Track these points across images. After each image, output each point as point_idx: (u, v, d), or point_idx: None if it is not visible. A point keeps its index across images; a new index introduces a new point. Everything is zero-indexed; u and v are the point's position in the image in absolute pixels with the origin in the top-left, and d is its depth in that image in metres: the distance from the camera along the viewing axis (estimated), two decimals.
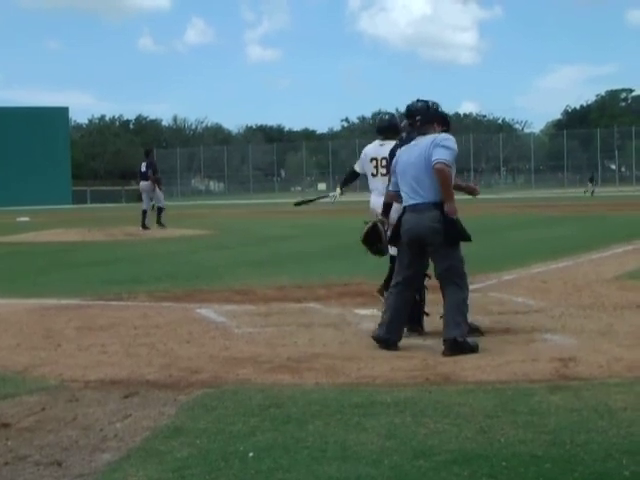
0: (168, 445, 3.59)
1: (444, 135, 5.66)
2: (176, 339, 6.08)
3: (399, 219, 5.77)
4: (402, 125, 6.65)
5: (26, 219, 30.76)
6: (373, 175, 7.15)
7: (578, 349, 5.39)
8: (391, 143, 7.01)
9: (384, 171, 6.95)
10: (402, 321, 5.76)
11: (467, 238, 5.58)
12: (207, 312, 7.33)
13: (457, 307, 5.50)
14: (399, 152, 5.93)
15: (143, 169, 20.87)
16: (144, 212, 20.81)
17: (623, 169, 75.49)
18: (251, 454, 3.44)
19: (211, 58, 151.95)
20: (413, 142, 5.79)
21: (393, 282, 5.83)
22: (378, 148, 7.14)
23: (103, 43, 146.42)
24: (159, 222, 20.87)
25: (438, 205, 5.49)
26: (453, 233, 5.49)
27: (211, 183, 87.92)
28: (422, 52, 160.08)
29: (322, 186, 77.15)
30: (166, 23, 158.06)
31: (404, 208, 5.71)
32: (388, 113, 7.67)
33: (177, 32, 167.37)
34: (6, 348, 5.87)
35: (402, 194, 5.75)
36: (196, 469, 3.28)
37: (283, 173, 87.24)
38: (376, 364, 5.08)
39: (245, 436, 3.68)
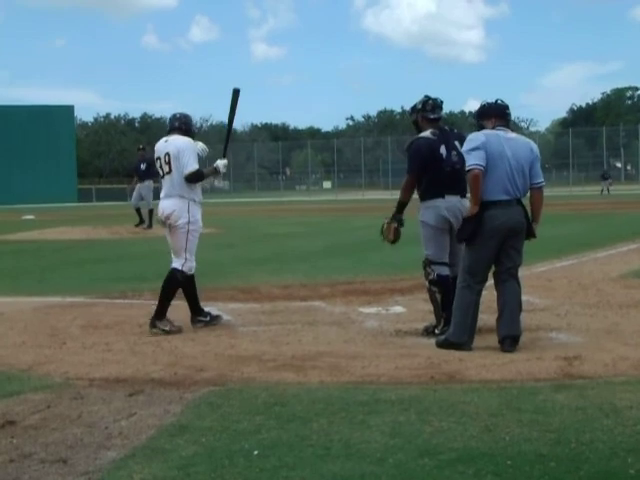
0: (173, 443, 3.59)
1: (535, 145, 5.72)
2: (181, 337, 6.10)
3: (479, 215, 5.41)
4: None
5: (31, 217, 30.79)
6: (161, 177, 6.65)
7: (583, 348, 5.38)
8: (177, 137, 6.58)
9: (167, 168, 6.52)
10: (475, 324, 5.57)
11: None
12: (212, 310, 7.32)
13: (520, 304, 5.58)
14: (480, 138, 5.52)
15: (143, 167, 19.84)
16: (151, 211, 20.52)
17: (629, 167, 75.29)
18: (256, 452, 3.44)
19: (216, 56, 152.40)
20: (500, 133, 5.55)
21: (463, 284, 5.50)
22: (162, 145, 6.63)
23: (108, 41, 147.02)
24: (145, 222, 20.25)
25: (521, 202, 5.58)
26: (532, 229, 5.60)
27: (216, 181, 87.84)
28: (427, 50, 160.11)
29: (327, 184, 77.16)
30: (171, 21, 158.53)
31: (487, 203, 5.40)
32: (182, 113, 6.89)
33: (182, 30, 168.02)
34: (11, 346, 5.88)
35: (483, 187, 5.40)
36: (201, 467, 3.29)
37: (288, 171, 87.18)
38: (380, 362, 5.08)
39: (250, 434, 3.69)
